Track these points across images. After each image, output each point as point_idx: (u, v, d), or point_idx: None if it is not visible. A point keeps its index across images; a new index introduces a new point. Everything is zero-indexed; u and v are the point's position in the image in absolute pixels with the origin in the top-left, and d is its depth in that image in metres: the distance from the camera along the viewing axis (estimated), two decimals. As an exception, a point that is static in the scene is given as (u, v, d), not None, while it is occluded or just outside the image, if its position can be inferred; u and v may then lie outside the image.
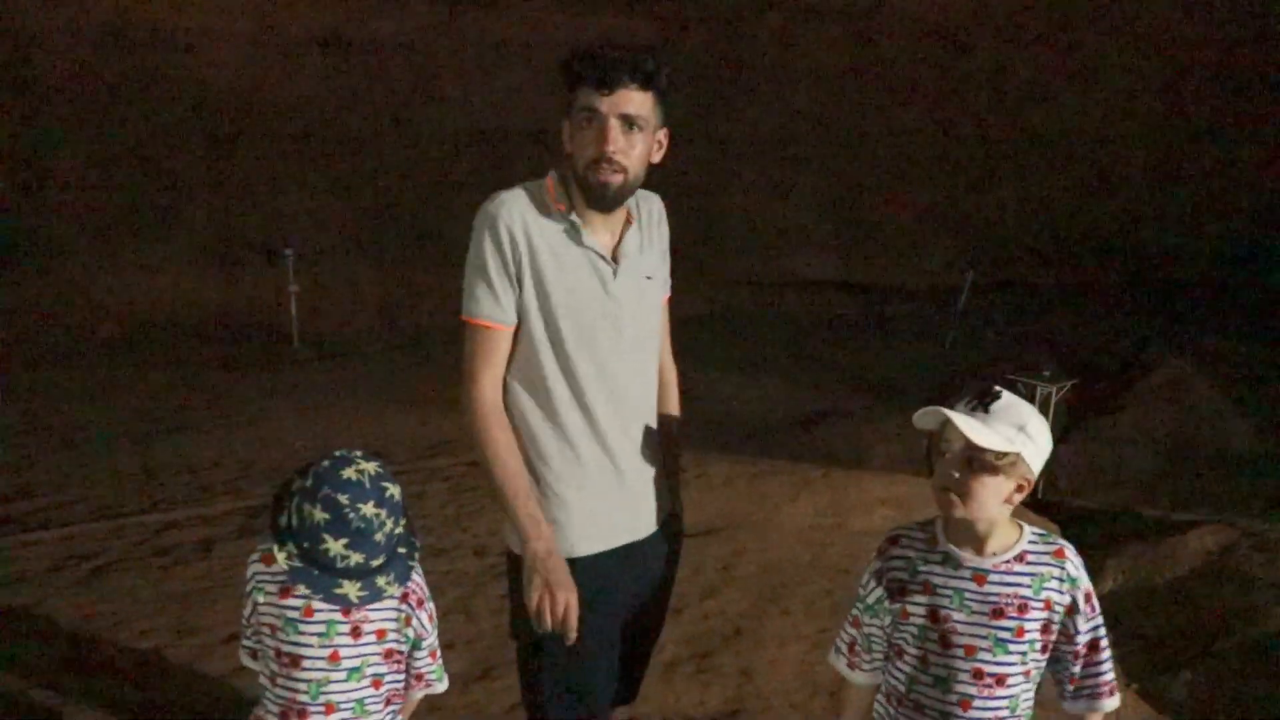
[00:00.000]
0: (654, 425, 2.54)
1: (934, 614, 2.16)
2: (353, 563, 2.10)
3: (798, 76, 13.86)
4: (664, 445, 2.61)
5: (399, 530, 2.21)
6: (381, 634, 2.24)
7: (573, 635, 2.28)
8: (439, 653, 2.42)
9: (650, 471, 2.51)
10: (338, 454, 2.15)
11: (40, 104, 12.07)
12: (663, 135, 2.33)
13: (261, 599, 2.20)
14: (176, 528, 5.55)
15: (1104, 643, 2.20)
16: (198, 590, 4.77)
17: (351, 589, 2.12)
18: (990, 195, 14.41)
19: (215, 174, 12.81)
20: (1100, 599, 5.05)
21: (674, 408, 2.69)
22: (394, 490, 2.17)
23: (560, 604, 2.25)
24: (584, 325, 2.32)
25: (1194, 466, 9.63)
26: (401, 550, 2.24)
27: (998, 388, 2.13)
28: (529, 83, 12.76)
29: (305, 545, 2.10)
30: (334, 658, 2.19)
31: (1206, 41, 14.02)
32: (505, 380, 2.39)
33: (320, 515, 2.07)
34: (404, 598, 2.27)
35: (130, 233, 12.42)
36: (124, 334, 11.41)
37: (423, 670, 2.39)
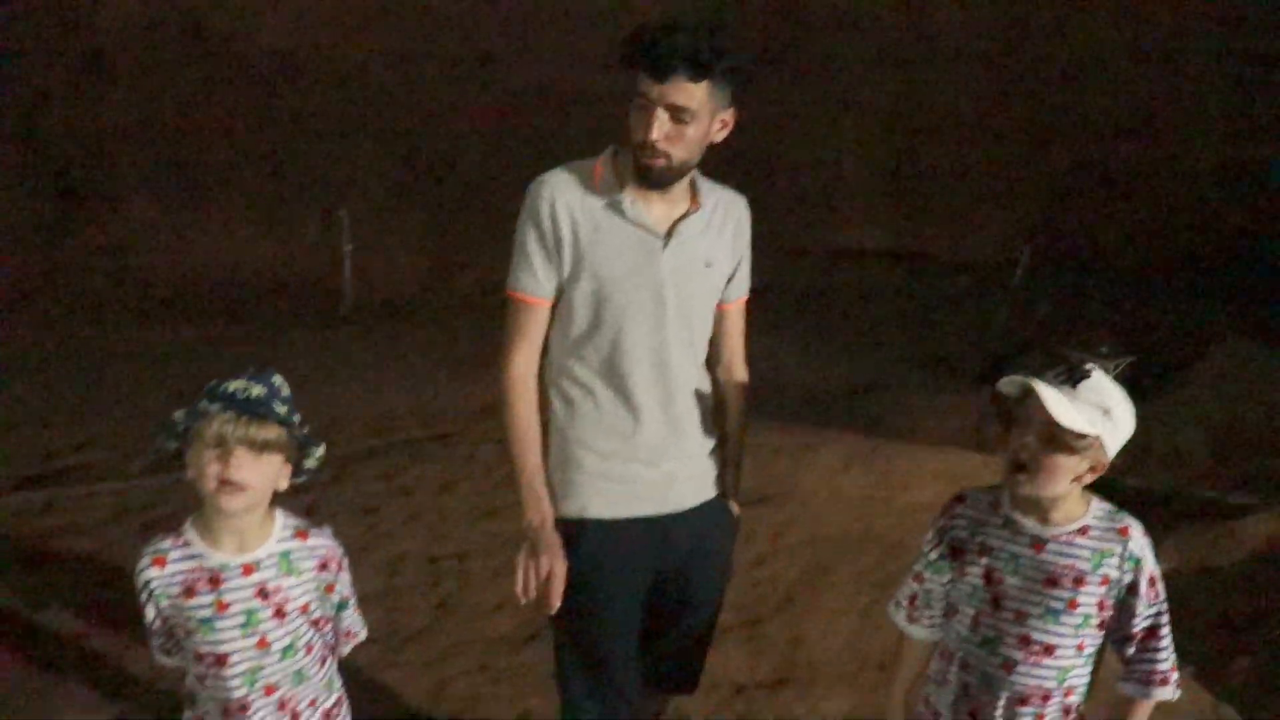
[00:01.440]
0: (700, 406, 2.52)
1: (989, 576, 2.17)
2: (254, 393, 1.98)
3: (855, 44, 13.69)
4: (720, 432, 2.60)
5: (283, 406, 2.06)
6: (306, 608, 2.15)
7: (554, 605, 2.31)
8: (357, 606, 2.35)
9: (691, 450, 2.50)
10: None
11: (98, 65, 12.18)
12: (727, 116, 2.29)
13: (165, 604, 2.06)
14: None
15: (1164, 630, 2.15)
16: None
17: (236, 431, 1.97)
18: (1049, 167, 14.17)
19: (271, 135, 12.89)
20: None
21: (741, 407, 2.67)
22: (276, 375, 2.08)
23: (543, 569, 2.27)
24: (625, 297, 2.32)
25: (1251, 450, 9.46)
26: (298, 433, 2.10)
27: (1089, 365, 2.10)
28: (586, 44, 12.68)
29: (179, 421, 2.01)
30: (262, 644, 2.09)
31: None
32: (547, 349, 2.44)
33: (211, 382, 2.01)
34: (322, 566, 2.17)
35: (187, 193, 12.54)
36: (180, 293, 11.54)
37: (349, 627, 2.33)
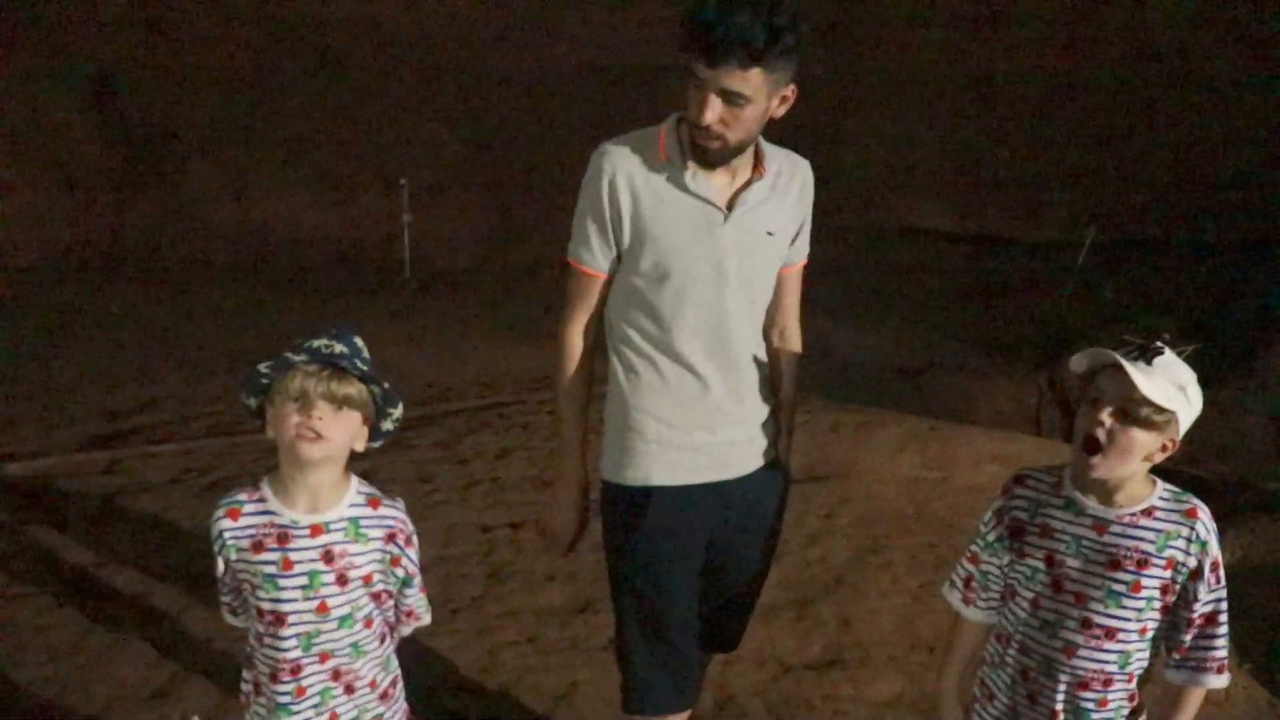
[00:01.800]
0: (759, 373, 2.53)
1: (1050, 558, 2.14)
2: (337, 349, 2.00)
3: (928, 18, 13.50)
4: (775, 398, 2.61)
5: (363, 361, 2.08)
6: (369, 578, 2.13)
7: (563, 550, 2.58)
8: (424, 587, 2.33)
9: (749, 416, 2.50)
10: None
11: (167, 30, 12.35)
12: (788, 91, 2.25)
13: (234, 556, 2.07)
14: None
15: (1223, 617, 2.10)
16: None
17: (319, 385, 1.99)
18: (1117, 149, 13.91)
19: (335, 104, 13.00)
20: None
21: (794, 372, 2.68)
22: (356, 335, 2.09)
23: (560, 525, 2.53)
24: (686, 268, 2.31)
25: (1319, 440, 9.29)
26: (379, 387, 2.11)
27: (1161, 343, 2.05)
28: (645, 18, 12.63)
29: (265, 369, 2.02)
30: (322, 609, 2.08)
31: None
32: (608, 318, 2.46)
33: (294, 341, 2.02)
34: (390, 537, 2.16)
35: (252, 160, 12.70)
36: (243, 256, 11.72)
37: (413, 606, 2.31)
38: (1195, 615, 2.08)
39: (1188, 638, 2.11)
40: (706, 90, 2.13)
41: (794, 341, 2.66)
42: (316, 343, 1.99)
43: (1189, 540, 2.05)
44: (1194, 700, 2.15)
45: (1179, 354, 6.92)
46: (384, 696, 2.25)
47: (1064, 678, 2.14)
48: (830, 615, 4.31)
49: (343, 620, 2.11)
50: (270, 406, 2.04)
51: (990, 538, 2.26)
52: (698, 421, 2.42)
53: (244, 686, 2.20)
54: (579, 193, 2.36)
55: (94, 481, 5.14)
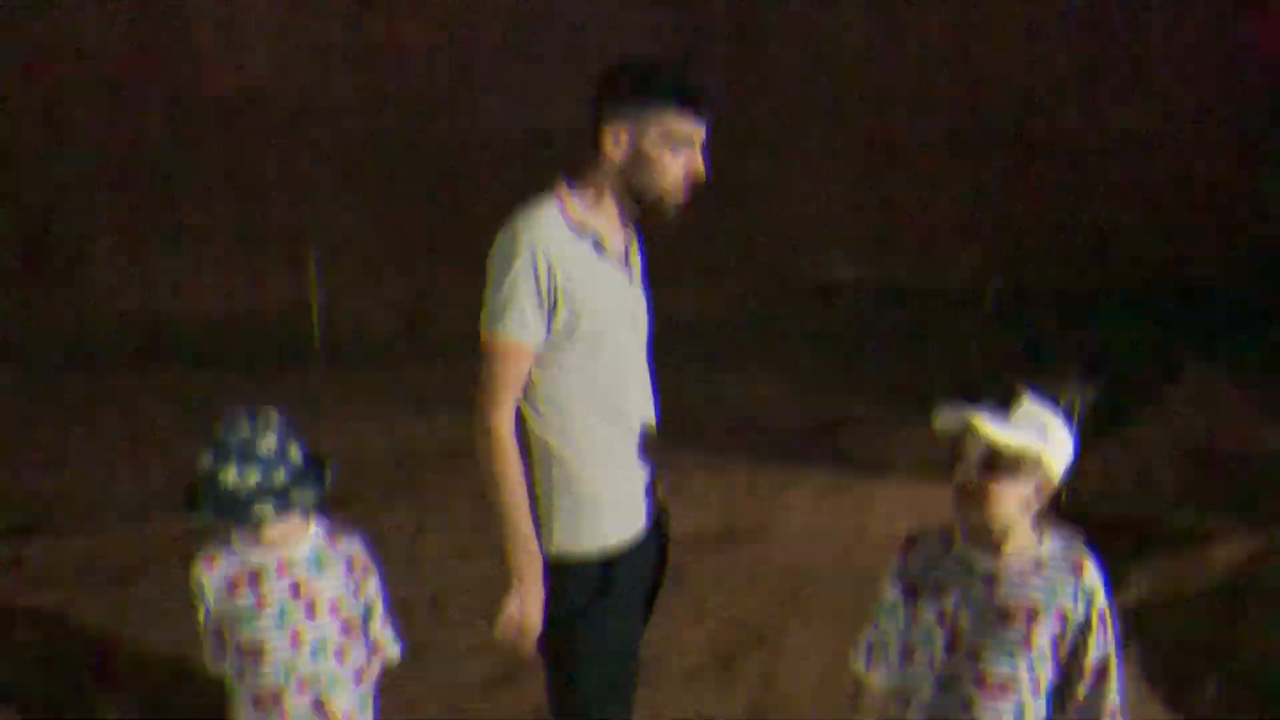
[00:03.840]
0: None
1: (943, 615, 2.20)
2: (252, 483, 2.22)
3: (820, 70, 13.86)
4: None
5: (293, 451, 2.30)
6: (335, 607, 2.39)
7: (529, 649, 2.54)
8: (389, 619, 2.59)
9: (654, 461, 2.60)
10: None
11: (59, 115, 12.28)
12: None
13: (213, 601, 2.35)
14: (200, 535, 5.64)
15: (1114, 666, 2.18)
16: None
17: (263, 510, 2.23)
18: (1018, 198, 14.36)
19: (238, 179, 12.98)
20: (1127, 608, 5.10)
21: None
22: (273, 415, 2.30)
23: (530, 616, 2.48)
24: (616, 330, 2.42)
25: (1222, 474, 9.53)
26: (311, 471, 2.34)
27: (1021, 392, 2.16)
28: (556, 84, 12.81)
29: (210, 496, 2.24)
30: (296, 640, 2.34)
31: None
32: (530, 399, 2.44)
33: (207, 459, 2.25)
34: (350, 567, 2.45)
35: (154, 240, 12.61)
36: (151, 342, 11.55)
37: (379, 638, 2.54)
38: (1087, 666, 2.15)
39: (1081, 689, 2.17)
40: (696, 146, 2.28)
41: None
42: (230, 480, 2.23)
43: (1077, 591, 2.13)
44: None
45: (1086, 394, 7.13)
46: None
47: None
48: (753, 673, 4.38)
49: (315, 651, 2.37)
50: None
51: (889, 601, 2.33)
52: (636, 473, 2.52)
53: None
54: (494, 269, 2.38)
55: (3, 575, 5.13)
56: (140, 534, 5.60)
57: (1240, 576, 5.76)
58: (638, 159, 2.31)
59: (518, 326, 2.33)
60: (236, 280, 12.87)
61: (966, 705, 2.17)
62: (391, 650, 2.59)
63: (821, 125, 14.15)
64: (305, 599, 2.35)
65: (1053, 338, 12.54)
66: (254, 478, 2.22)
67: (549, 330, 2.36)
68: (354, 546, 2.50)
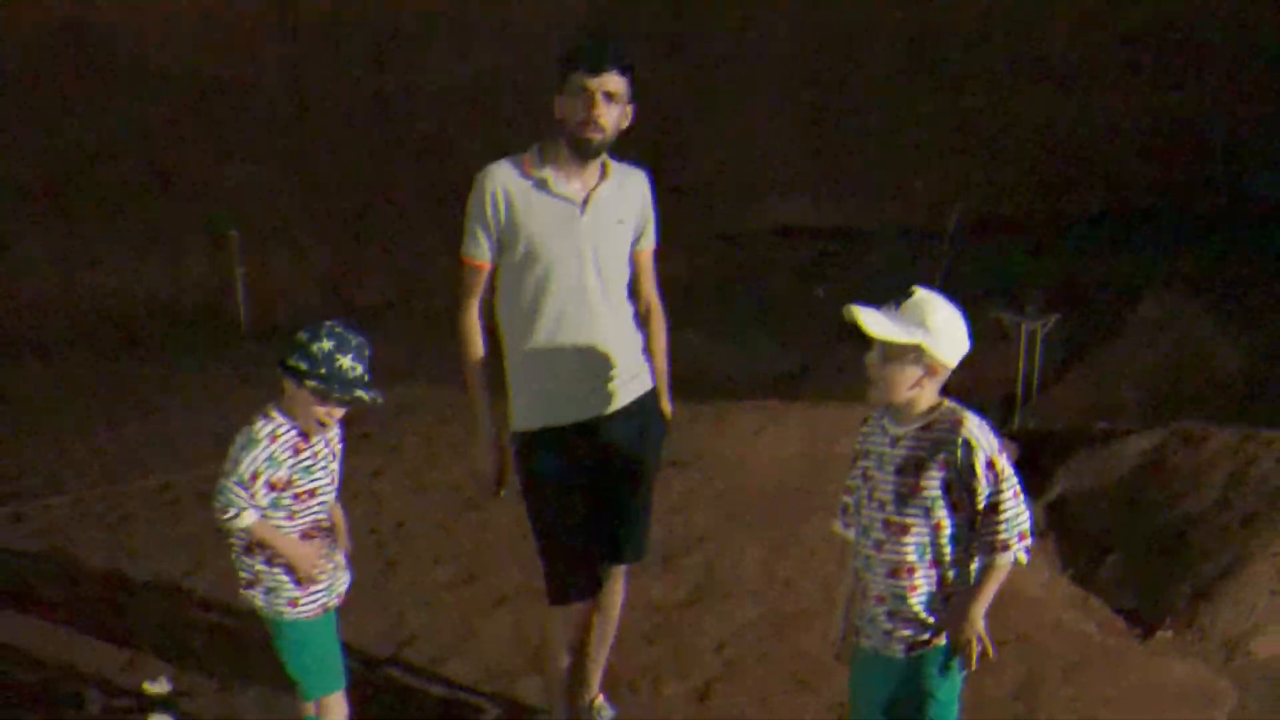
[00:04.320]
0: (616, 334, 3.74)
1: (865, 473, 3.02)
2: (359, 374, 3.20)
3: (764, 25, 14.96)
4: (641, 353, 3.86)
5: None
6: (339, 453, 3.50)
7: (500, 489, 3.73)
8: None
9: (609, 368, 3.72)
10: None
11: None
12: (631, 108, 3.60)
13: (283, 458, 3.26)
14: (173, 488, 6.86)
15: (1004, 505, 2.86)
16: (210, 530, 6.08)
17: (364, 395, 3.20)
18: (969, 132, 15.57)
19: (156, 160, 13.93)
20: (1051, 503, 6.47)
21: (661, 331, 3.97)
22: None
23: (487, 465, 3.70)
24: (555, 250, 3.56)
25: (1185, 394, 10.96)
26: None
27: (913, 288, 2.94)
28: (473, 46, 13.94)
29: (322, 371, 3.15)
30: (331, 480, 3.44)
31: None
32: (494, 301, 3.69)
33: (328, 344, 3.18)
34: (343, 430, 3.51)
35: (74, 224, 13.58)
36: (75, 327, 12.56)
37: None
38: (980, 506, 2.86)
39: (980, 526, 2.89)
40: (594, 94, 3.45)
41: (657, 310, 3.95)
42: (345, 364, 3.21)
43: (958, 446, 2.84)
44: (992, 576, 2.91)
45: (1044, 325, 8.85)
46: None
47: (878, 569, 2.97)
48: (694, 565, 5.62)
49: (336, 487, 3.49)
50: (300, 391, 3.23)
51: (853, 470, 3.13)
52: (567, 373, 3.64)
53: (249, 567, 3.39)
54: (467, 206, 3.57)
55: (4, 530, 6.26)
56: (124, 491, 6.83)
57: (1145, 465, 7.09)
58: (563, 112, 3.54)
59: (474, 247, 3.56)
60: (155, 262, 13.86)
61: (879, 546, 2.95)
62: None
63: (766, 74, 15.30)
64: (333, 450, 3.43)
65: (1014, 269, 13.86)
66: (360, 371, 3.21)
67: (498, 251, 3.60)
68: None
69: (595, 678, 4.14)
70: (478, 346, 3.69)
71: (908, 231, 15.17)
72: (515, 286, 3.63)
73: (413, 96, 14.46)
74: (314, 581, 3.40)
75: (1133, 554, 6.27)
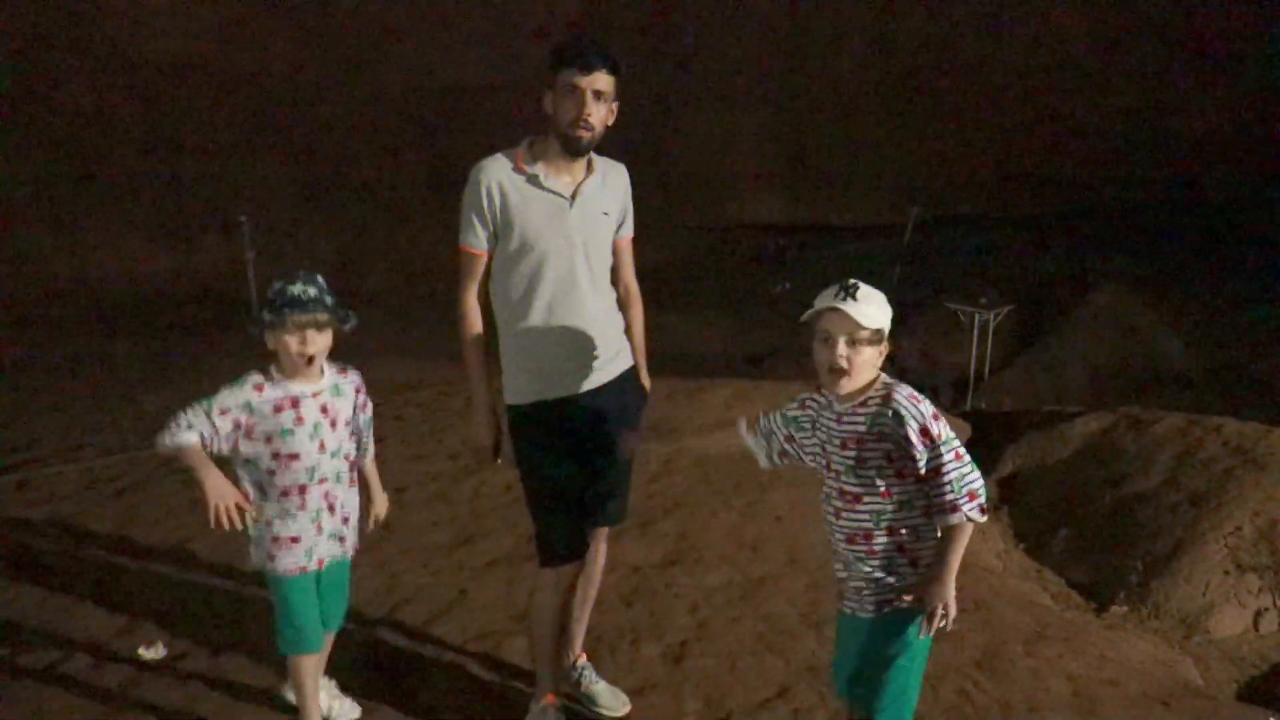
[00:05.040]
0: (601, 317, 3.68)
1: (823, 447, 3.01)
2: (313, 294, 3.18)
3: (735, 27, 14.94)
4: (622, 334, 3.79)
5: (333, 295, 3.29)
6: (347, 421, 3.44)
7: (488, 456, 3.66)
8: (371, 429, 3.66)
9: (594, 344, 3.66)
10: None
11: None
12: (615, 105, 3.52)
13: (258, 416, 3.23)
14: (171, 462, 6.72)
15: (945, 469, 2.81)
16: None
17: (316, 313, 3.18)
18: (930, 132, 15.60)
19: (164, 147, 13.81)
20: (1002, 480, 6.42)
21: (639, 313, 3.90)
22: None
23: (483, 437, 3.62)
24: (543, 244, 3.50)
25: (1129, 384, 10.94)
26: (344, 307, 3.33)
27: (853, 280, 2.89)
28: (469, 39, 13.84)
29: (274, 302, 3.16)
30: (321, 447, 3.34)
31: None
32: (490, 286, 3.61)
33: (277, 282, 3.19)
34: (357, 390, 3.49)
35: (84, 211, 13.43)
36: (86, 310, 12.45)
37: (368, 441, 3.61)
38: (922, 471, 2.83)
39: (929, 489, 2.86)
40: (584, 93, 3.36)
41: (635, 293, 3.88)
42: (296, 290, 3.19)
43: (889, 417, 2.84)
44: (953, 538, 2.89)
45: (996, 316, 8.82)
46: (345, 521, 3.50)
47: (839, 535, 3.00)
48: (670, 530, 5.56)
49: (333, 453, 3.39)
50: (271, 334, 3.21)
51: (792, 412, 3.12)
52: (555, 352, 3.58)
53: (250, 520, 3.31)
54: (463, 199, 3.50)
55: (11, 496, 6.09)
56: (130, 460, 6.69)
57: (1092, 445, 7.05)
58: (553, 109, 3.47)
59: (471, 237, 3.50)
60: (168, 246, 13.74)
61: (838, 514, 2.98)
62: (371, 449, 3.66)
63: (734, 75, 15.26)
64: (329, 417, 3.36)
65: (968, 264, 13.86)
66: (313, 291, 3.19)
67: (493, 240, 3.53)
68: (356, 376, 3.50)
69: (579, 638, 4.05)
70: (476, 327, 3.62)
71: (869, 228, 15.16)
72: (509, 273, 3.56)
73: (414, 91, 14.33)
74: (220, 523, 3.21)
75: (1083, 529, 6.24)
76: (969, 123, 15.62)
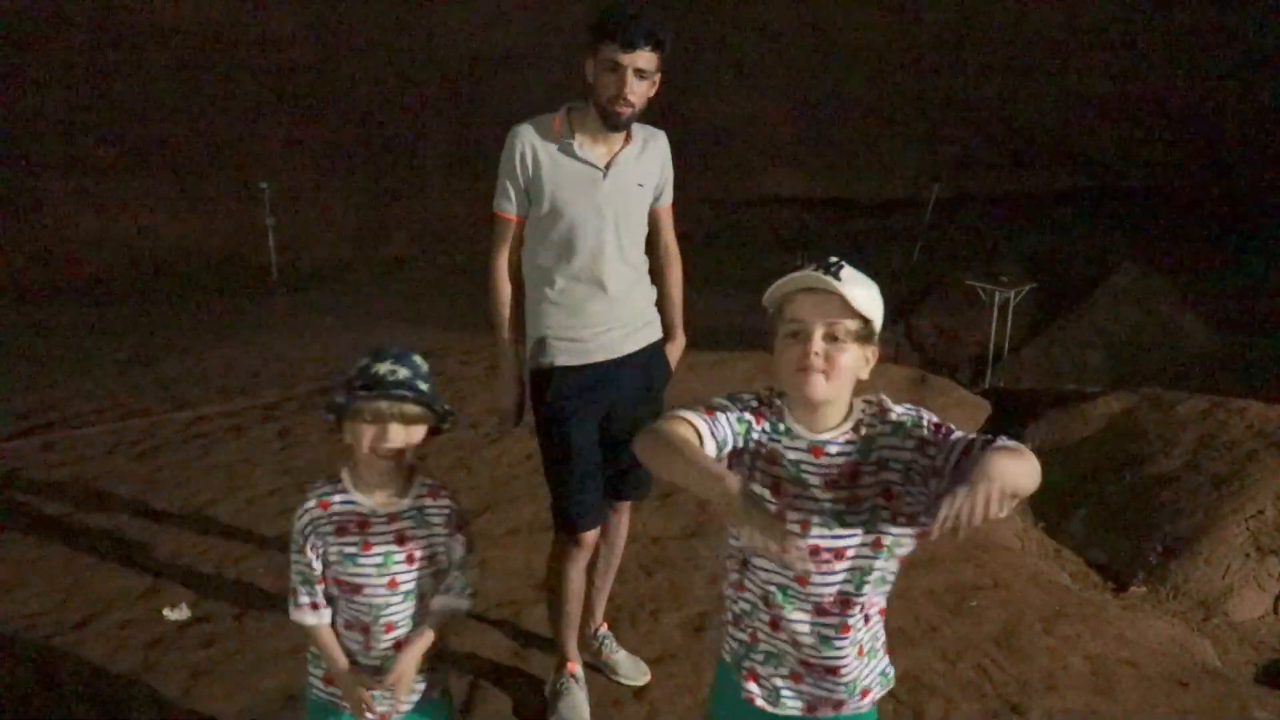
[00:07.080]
0: (629, 287, 3.66)
1: (776, 485, 2.15)
2: (402, 375, 2.45)
3: (758, 8, 14.83)
4: (654, 301, 3.78)
5: (430, 382, 2.53)
6: (433, 558, 2.63)
7: (512, 421, 3.64)
8: (465, 574, 2.71)
9: (624, 314, 3.65)
10: None
11: (15, 50, 13.02)
12: (658, 78, 3.48)
13: (319, 541, 2.55)
14: (206, 420, 6.76)
15: (977, 445, 2.01)
16: (239, 460, 6.01)
17: (402, 400, 2.44)
18: (954, 110, 15.49)
19: (187, 110, 13.82)
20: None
21: (678, 278, 3.89)
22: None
23: (509, 400, 3.62)
24: (577, 210, 3.47)
25: (1149, 364, 10.88)
26: (441, 401, 2.56)
27: (834, 257, 2.10)
28: (497, 7, 13.78)
29: (354, 382, 2.46)
30: (392, 584, 2.58)
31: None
32: (523, 251, 3.60)
33: (364, 360, 2.50)
34: (448, 522, 2.63)
35: (109, 174, 13.46)
36: (109, 272, 12.49)
37: (451, 583, 2.68)
38: (953, 461, 2.03)
39: (959, 464, 2.01)
40: (626, 70, 3.30)
41: (675, 255, 3.86)
42: (382, 369, 2.47)
43: (889, 434, 2.13)
44: (1003, 448, 1.95)
45: (1017, 294, 8.80)
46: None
47: (800, 604, 2.19)
48: (689, 501, 5.55)
49: (407, 594, 2.63)
50: (347, 419, 2.52)
51: (749, 409, 2.22)
52: (583, 320, 3.56)
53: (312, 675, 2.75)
54: (501, 162, 3.47)
55: (36, 457, 6.13)
56: (153, 424, 6.72)
57: (1114, 425, 7.03)
58: (594, 81, 3.42)
59: (504, 202, 3.48)
60: (190, 211, 13.78)
61: (799, 578, 2.17)
62: (461, 603, 2.71)
63: (761, 50, 15.18)
64: (407, 549, 2.58)
65: (989, 242, 13.80)
66: (404, 373, 2.45)
67: (525, 205, 3.51)
68: (450, 502, 2.67)
69: (600, 607, 4.07)
70: (506, 292, 3.61)
71: (889, 203, 15.11)
72: (539, 240, 3.54)
73: (434, 60, 14.31)
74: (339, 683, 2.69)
75: (1102, 510, 6.23)
76: (993, 99, 15.49)
